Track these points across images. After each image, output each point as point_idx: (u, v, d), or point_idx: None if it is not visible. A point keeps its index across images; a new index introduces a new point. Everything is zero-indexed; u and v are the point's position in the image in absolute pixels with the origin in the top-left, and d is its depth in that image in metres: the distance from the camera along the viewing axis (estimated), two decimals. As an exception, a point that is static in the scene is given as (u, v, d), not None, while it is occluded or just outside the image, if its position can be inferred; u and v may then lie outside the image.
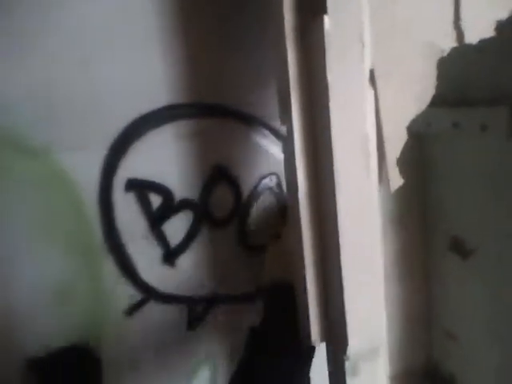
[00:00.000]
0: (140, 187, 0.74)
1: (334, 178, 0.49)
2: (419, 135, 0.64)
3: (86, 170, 0.70)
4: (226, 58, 0.74)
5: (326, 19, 0.44)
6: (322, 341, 0.57)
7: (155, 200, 0.75)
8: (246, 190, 0.80)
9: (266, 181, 0.80)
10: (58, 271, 0.72)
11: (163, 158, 0.74)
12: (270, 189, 0.81)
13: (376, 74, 0.48)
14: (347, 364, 0.52)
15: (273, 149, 0.80)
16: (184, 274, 0.79)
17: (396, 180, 0.51)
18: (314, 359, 0.57)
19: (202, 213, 0.78)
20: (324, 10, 0.44)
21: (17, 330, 0.72)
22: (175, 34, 0.71)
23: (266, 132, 0.79)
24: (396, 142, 0.51)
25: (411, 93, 0.51)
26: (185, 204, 0.77)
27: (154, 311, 0.78)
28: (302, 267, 0.54)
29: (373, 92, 0.49)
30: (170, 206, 0.76)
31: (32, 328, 0.72)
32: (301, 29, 0.47)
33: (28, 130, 0.66)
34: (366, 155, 0.49)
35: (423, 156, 0.67)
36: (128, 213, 0.74)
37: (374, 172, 0.50)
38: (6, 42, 0.64)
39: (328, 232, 0.51)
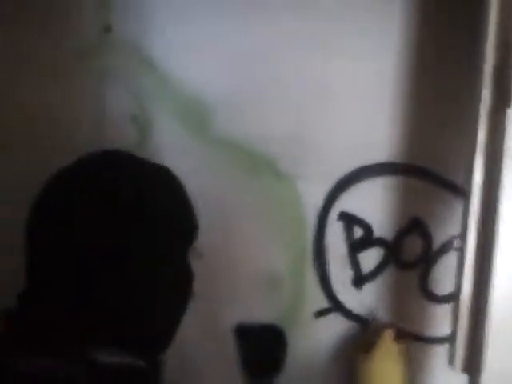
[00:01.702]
0: (348, 220, 0.95)
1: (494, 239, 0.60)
2: None
3: (314, 196, 0.94)
4: (444, 129, 0.90)
5: (509, 112, 0.58)
6: (464, 371, 0.66)
7: (357, 232, 0.95)
8: (435, 244, 0.93)
9: (456, 241, 0.92)
10: (275, 265, 0.97)
11: (371, 202, 0.94)
12: (457, 249, 0.91)
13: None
14: None
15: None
16: (367, 299, 0.96)
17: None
18: None
19: (393, 253, 0.94)
20: (508, 104, 0.58)
21: (232, 300, 0.98)
22: (406, 103, 0.91)
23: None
24: None
25: None
26: (380, 242, 0.95)
27: (336, 322, 0.97)
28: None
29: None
30: (368, 240, 0.95)
31: (244, 304, 0.98)
32: (494, 111, 0.62)
33: (284, 160, 0.94)
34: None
35: None
36: (335, 237, 0.96)
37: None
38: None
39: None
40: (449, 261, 0.92)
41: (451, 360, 0.68)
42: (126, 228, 0.53)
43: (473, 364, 0.64)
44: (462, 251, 0.69)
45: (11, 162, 0.95)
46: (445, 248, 0.93)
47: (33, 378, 0.50)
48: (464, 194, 0.90)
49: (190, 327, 0.98)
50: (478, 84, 0.66)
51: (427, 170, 0.92)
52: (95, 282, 0.53)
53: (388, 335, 0.89)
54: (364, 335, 0.94)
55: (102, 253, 0.52)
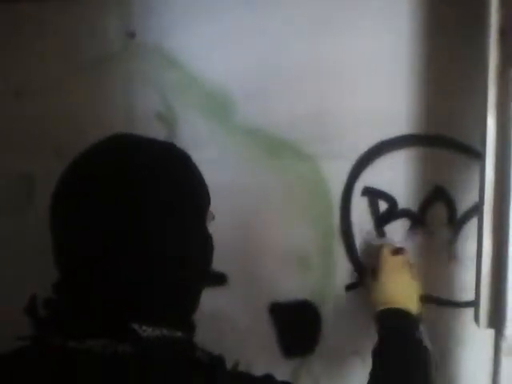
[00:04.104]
0: (373, 194, 0.98)
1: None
2: None
3: (337, 174, 0.97)
4: (461, 97, 0.91)
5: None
6: (488, 327, 0.68)
7: (382, 205, 0.98)
8: (460, 211, 0.94)
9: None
10: (303, 244, 1.01)
11: (395, 175, 0.96)
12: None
13: None
14: (504, 345, 0.62)
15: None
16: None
17: None
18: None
19: (418, 223, 0.96)
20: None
21: (265, 280, 1.02)
22: (421, 73, 0.93)
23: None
24: None
25: None
26: (405, 213, 0.97)
27: (365, 294, 0.99)
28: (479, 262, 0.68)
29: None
30: (394, 213, 0.97)
31: (276, 283, 1.02)
32: (501, 72, 0.64)
33: (305, 141, 0.98)
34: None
35: None
36: (360, 212, 0.98)
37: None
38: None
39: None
40: (475, 225, 0.93)
41: (476, 318, 0.70)
42: (143, 205, 0.55)
43: (497, 320, 0.66)
44: (480, 211, 0.71)
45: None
46: (470, 214, 0.94)
47: (82, 357, 0.53)
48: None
49: (226, 307, 1.04)
50: (485, 46, 0.67)
51: (447, 138, 0.93)
52: (120, 262, 0.55)
53: (385, 251, 0.91)
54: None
55: (124, 230, 0.54)
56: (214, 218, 0.67)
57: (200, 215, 0.63)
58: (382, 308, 0.84)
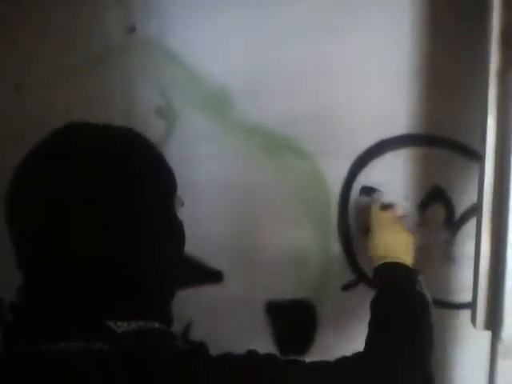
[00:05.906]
0: (371, 193, 0.97)
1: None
2: None
3: (335, 172, 0.97)
4: (462, 98, 0.91)
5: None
6: (485, 328, 0.68)
7: (382, 205, 0.97)
8: (458, 212, 0.94)
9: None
10: (300, 241, 1.00)
11: (393, 175, 0.96)
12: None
13: None
14: (500, 346, 0.62)
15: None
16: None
17: None
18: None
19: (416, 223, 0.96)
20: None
21: (262, 278, 1.02)
22: (421, 73, 0.92)
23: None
24: None
25: None
26: (404, 213, 0.96)
27: (363, 293, 0.99)
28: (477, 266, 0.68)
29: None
30: (391, 212, 0.97)
31: (273, 281, 1.02)
32: (502, 72, 0.63)
33: (304, 139, 0.98)
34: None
35: None
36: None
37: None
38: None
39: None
40: (473, 227, 0.93)
41: (473, 319, 0.69)
42: (103, 194, 0.53)
43: (494, 322, 0.66)
44: (479, 213, 0.71)
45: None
46: (468, 215, 0.93)
47: (56, 359, 0.51)
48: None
49: (223, 305, 1.04)
50: (486, 47, 0.67)
51: (446, 138, 0.93)
52: (84, 257, 0.52)
53: (374, 208, 0.91)
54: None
55: (85, 224, 0.52)
56: (183, 204, 0.64)
57: (165, 201, 0.60)
58: (379, 263, 0.83)
